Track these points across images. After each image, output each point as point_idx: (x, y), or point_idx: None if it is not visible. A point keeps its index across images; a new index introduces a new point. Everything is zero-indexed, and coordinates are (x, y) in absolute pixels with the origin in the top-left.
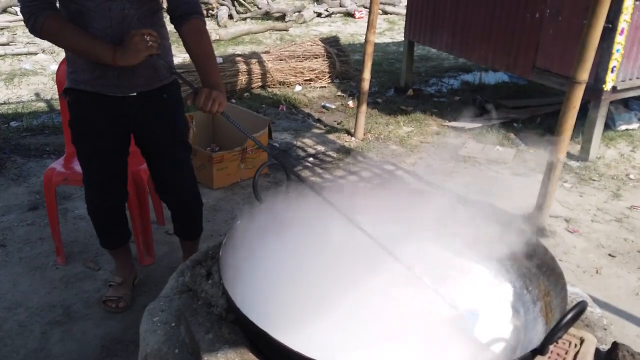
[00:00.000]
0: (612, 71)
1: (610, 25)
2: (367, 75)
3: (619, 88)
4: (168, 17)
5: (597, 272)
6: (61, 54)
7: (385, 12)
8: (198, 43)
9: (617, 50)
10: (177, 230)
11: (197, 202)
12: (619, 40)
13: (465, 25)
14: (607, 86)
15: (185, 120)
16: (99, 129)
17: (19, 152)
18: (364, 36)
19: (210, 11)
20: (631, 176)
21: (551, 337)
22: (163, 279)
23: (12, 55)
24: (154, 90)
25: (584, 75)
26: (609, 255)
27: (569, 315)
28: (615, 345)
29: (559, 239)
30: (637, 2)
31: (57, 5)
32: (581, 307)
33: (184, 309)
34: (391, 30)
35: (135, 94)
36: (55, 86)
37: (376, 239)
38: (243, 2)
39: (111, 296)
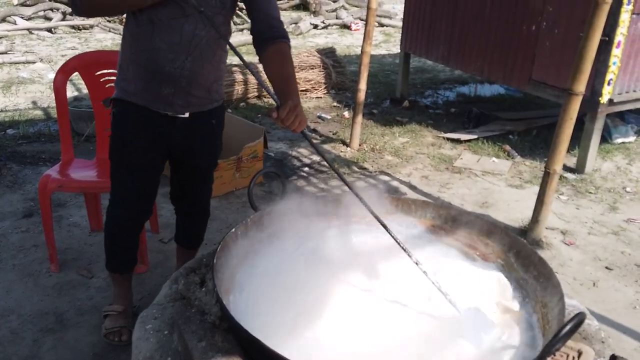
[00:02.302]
0: (608, 84)
1: (607, 38)
2: (363, 86)
3: (615, 101)
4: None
5: (594, 285)
6: (59, 62)
7: (381, 25)
8: (282, 66)
9: (614, 63)
10: (179, 237)
11: (206, 213)
12: (616, 53)
13: (461, 37)
14: (604, 99)
15: (222, 143)
16: (141, 145)
17: (14, 160)
18: (360, 48)
19: None
20: (628, 189)
21: (549, 348)
22: (157, 287)
23: (10, 63)
24: (204, 113)
25: (581, 87)
26: (606, 268)
27: (568, 327)
28: (613, 357)
29: (556, 251)
30: (634, 16)
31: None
32: (579, 318)
33: (177, 316)
34: (387, 42)
35: (186, 115)
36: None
37: (390, 231)
38: (240, 13)
39: (112, 328)
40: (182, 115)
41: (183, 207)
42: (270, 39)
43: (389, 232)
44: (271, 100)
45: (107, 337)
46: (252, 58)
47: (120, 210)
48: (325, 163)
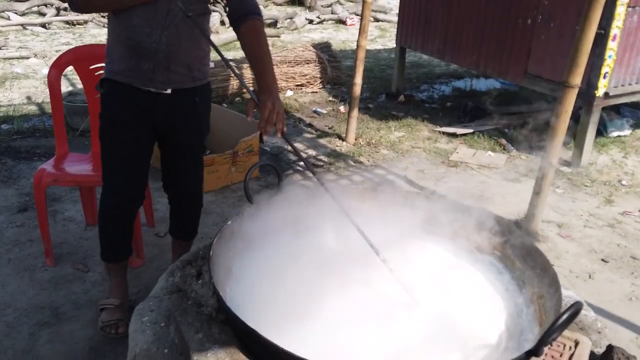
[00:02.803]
0: (604, 77)
1: (603, 32)
2: (358, 80)
3: (611, 94)
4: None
5: (589, 277)
6: (53, 57)
7: (376, 20)
8: (256, 42)
9: (610, 56)
10: (173, 228)
11: (199, 201)
12: (611, 46)
13: (457, 31)
14: (599, 92)
15: (209, 125)
16: (128, 123)
17: (9, 155)
18: (355, 43)
19: None
20: (623, 182)
21: (546, 338)
22: (153, 281)
23: (4, 59)
24: (188, 91)
25: (577, 79)
26: (602, 260)
27: (565, 316)
28: (610, 348)
29: (551, 244)
30: (630, 9)
31: None
32: (576, 307)
33: (174, 309)
34: (382, 37)
35: (169, 91)
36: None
37: (358, 225)
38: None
39: (109, 321)
40: (165, 92)
41: (174, 194)
42: (243, 16)
43: (356, 227)
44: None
45: (103, 330)
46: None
47: (111, 196)
48: (320, 157)
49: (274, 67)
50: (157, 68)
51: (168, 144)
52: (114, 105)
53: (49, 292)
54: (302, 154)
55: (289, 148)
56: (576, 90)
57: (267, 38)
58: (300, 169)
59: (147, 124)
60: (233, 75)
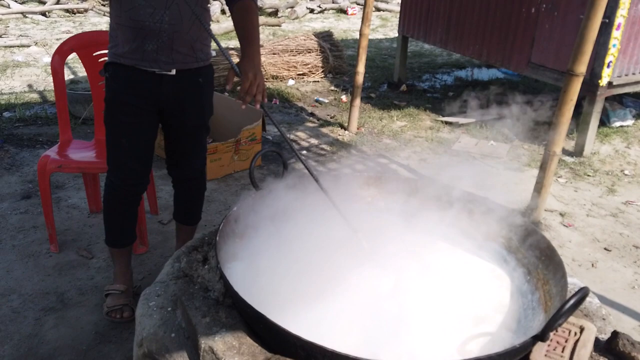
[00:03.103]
0: (608, 66)
1: (607, 20)
2: (361, 68)
3: (614, 84)
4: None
5: (592, 265)
6: (54, 46)
7: (377, 9)
8: (247, 18)
9: (614, 46)
10: (177, 213)
11: (202, 184)
12: (616, 35)
13: (459, 20)
14: (603, 81)
15: (212, 106)
16: (133, 104)
17: (12, 142)
18: (357, 32)
19: None
20: (626, 172)
21: (553, 323)
22: (157, 267)
23: (5, 47)
24: (191, 71)
25: (582, 67)
26: (605, 249)
27: (571, 302)
28: (615, 334)
29: (554, 233)
30: None
31: None
32: (583, 293)
33: (181, 293)
34: (384, 26)
35: (173, 72)
36: (48, 78)
37: (330, 196)
38: None
39: (114, 306)
40: (169, 73)
41: (178, 176)
42: None
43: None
44: (267, 84)
45: (109, 315)
46: None
47: (117, 178)
48: (323, 146)
49: (276, 55)
50: (161, 48)
51: (172, 126)
52: (119, 88)
53: (53, 278)
54: (290, 138)
55: (291, 137)
56: (581, 79)
57: (268, 27)
58: (303, 157)
59: (152, 106)
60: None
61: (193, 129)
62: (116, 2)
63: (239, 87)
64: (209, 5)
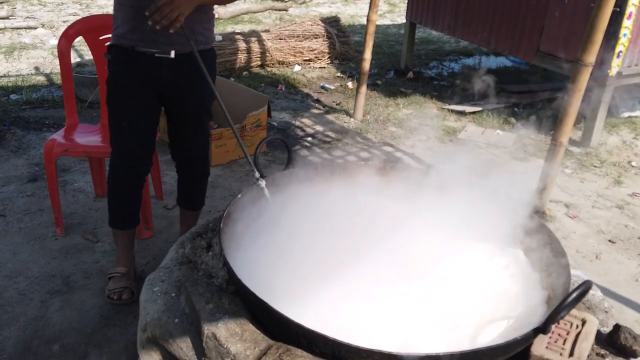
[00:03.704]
0: (617, 56)
1: (619, 9)
2: (368, 55)
3: (624, 74)
4: None
5: (596, 257)
6: (60, 28)
7: None
8: None
9: (624, 35)
10: (181, 198)
11: (205, 168)
12: (627, 24)
13: (468, 7)
14: (613, 71)
15: (213, 91)
16: (133, 87)
17: (18, 125)
18: (364, 18)
19: None
20: (633, 163)
21: (554, 315)
22: (161, 252)
23: (12, 29)
24: (191, 55)
25: (591, 57)
26: (609, 241)
27: (574, 295)
28: (617, 327)
29: (559, 224)
30: None
31: None
32: (586, 286)
33: (185, 279)
34: (392, 12)
35: (172, 55)
36: (55, 60)
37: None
38: None
39: (114, 288)
40: (168, 56)
41: (181, 161)
42: None
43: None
44: (273, 70)
45: (109, 297)
46: (255, 27)
47: (120, 160)
48: (328, 133)
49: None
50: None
51: (174, 110)
52: (119, 71)
53: (59, 261)
54: (314, 127)
55: (297, 123)
56: (590, 69)
57: (275, 11)
58: (308, 144)
59: (152, 89)
60: (241, 49)
61: (194, 114)
62: None
63: None
64: None
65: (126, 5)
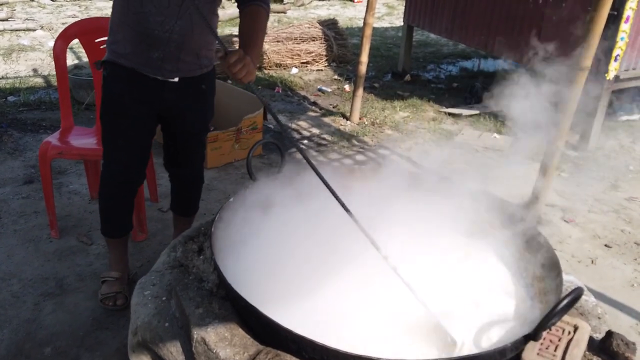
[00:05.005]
0: (615, 60)
1: (616, 13)
2: (364, 58)
3: (621, 77)
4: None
5: (592, 262)
6: (59, 30)
7: None
8: (254, 22)
9: (622, 39)
10: (174, 205)
11: (200, 179)
12: (624, 28)
13: (465, 10)
14: (610, 75)
15: (213, 109)
16: (133, 108)
17: (15, 127)
18: (363, 20)
19: None
20: (630, 167)
21: (545, 322)
22: (155, 255)
23: (11, 30)
24: (195, 78)
25: (588, 61)
26: (605, 245)
27: (565, 302)
28: (609, 333)
29: (555, 228)
30: None
31: None
32: (577, 293)
33: (175, 283)
34: (390, 15)
35: (176, 80)
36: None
37: (360, 223)
38: None
39: (108, 293)
40: (172, 80)
41: (176, 174)
42: (252, 1)
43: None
44: (270, 72)
45: (102, 302)
46: None
47: (112, 174)
48: (324, 136)
49: (280, 43)
50: (167, 57)
51: (176, 133)
52: (117, 89)
53: (53, 263)
54: (310, 130)
55: (293, 126)
56: (586, 73)
57: (273, 14)
58: (304, 147)
59: (152, 110)
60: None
61: (193, 132)
62: (123, 1)
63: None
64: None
65: (131, 28)
